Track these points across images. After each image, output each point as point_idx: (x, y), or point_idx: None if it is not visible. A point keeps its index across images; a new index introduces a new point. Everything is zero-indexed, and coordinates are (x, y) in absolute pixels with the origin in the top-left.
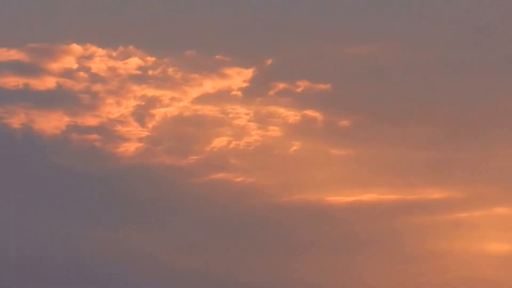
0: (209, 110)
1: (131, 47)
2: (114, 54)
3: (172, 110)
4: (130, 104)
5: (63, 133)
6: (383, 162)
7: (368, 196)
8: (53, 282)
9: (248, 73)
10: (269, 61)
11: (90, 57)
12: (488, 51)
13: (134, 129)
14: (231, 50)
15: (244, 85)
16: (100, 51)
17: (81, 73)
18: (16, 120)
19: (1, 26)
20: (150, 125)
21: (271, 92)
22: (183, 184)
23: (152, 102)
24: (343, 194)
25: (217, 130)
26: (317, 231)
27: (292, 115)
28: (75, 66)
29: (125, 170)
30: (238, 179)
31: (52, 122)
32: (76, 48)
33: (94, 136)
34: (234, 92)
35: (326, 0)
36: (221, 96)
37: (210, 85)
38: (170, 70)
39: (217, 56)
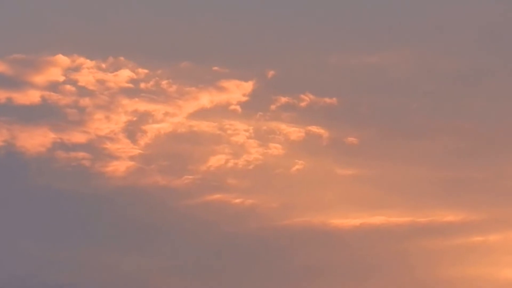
0: (205, 126)
1: (121, 58)
2: (103, 65)
3: (165, 126)
4: (120, 120)
5: (48, 150)
6: (393, 182)
7: (376, 219)
8: None
9: (248, 86)
10: (271, 73)
11: (77, 69)
12: (508, 61)
13: (124, 146)
14: (229, 61)
15: (244, 99)
16: (88, 63)
17: (68, 86)
18: None
19: None
20: (142, 143)
21: (273, 107)
22: (177, 205)
23: (144, 117)
24: (349, 217)
25: (214, 148)
26: (321, 257)
27: (295, 132)
28: (61, 78)
29: (115, 190)
30: (237, 201)
31: (36, 139)
32: (62, 59)
33: (82, 154)
34: (232, 107)
35: (331, 8)
36: (219, 111)
37: (206, 99)
38: (164, 82)
39: (215, 68)
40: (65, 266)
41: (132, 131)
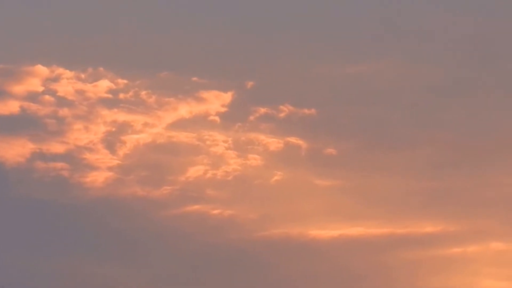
0: (184, 136)
1: (101, 68)
2: (83, 76)
3: (144, 137)
4: (99, 130)
5: (27, 161)
6: (372, 193)
7: (355, 230)
8: None
9: (227, 96)
10: (250, 84)
11: (56, 79)
12: (490, 74)
13: (103, 157)
14: (208, 72)
15: (223, 109)
16: (68, 73)
17: (47, 97)
18: None
19: None
20: (121, 153)
21: (252, 118)
22: (156, 216)
23: (124, 128)
24: (328, 228)
25: (193, 159)
26: (299, 268)
27: (274, 143)
28: (40, 89)
29: (94, 201)
30: (215, 212)
31: (15, 149)
32: (42, 69)
33: (61, 164)
34: (211, 117)
35: (311, 20)
36: (198, 122)
37: (185, 109)
38: (143, 93)
39: (194, 78)
40: (43, 275)
41: (111, 142)
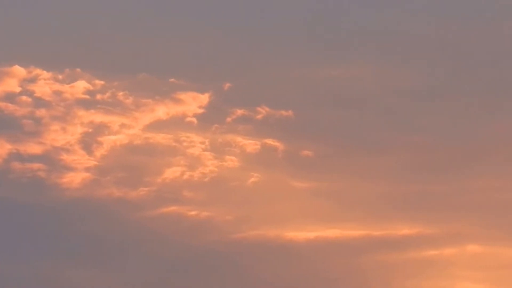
0: (161, 138)
1: (78, 69)
2: (60, 77)
3: (121, 138)
4: (76, 131)
5: (3, 161)
6: (349, 195)
7: (331, 232)
8: None
9: (204, 98)
10: (227, 86)
11: (33, 80)
12: (466, 78)
13: (80, 158)
14: (186, 73)
15: (200, 111)
16: (45, 74)
17: (24, 97)
18: None
19: None
20: (98, 154)
21: (229, 119)
22: (132, 217)
23: (101, 129)
24: (304, 230)
25: (170, 160)
26: (276, 269)
27: (251, 144)
28: (17, 89)
29: (71, 202)
30: (192, 213)
31: None
32: (19, 70)
33: (38, 165)
34: (188, 119)
35: (288, 22)
36: (175, 123)
37: (163, 111)
38: (120, 94)
39: (171, 80)
40: (19, 278)
41: (88, 143)
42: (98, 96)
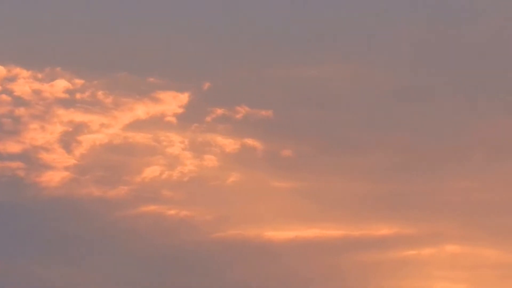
0: (141, 137)
1: (58, 68)
2: (40, 76)
3: (101, 137)
4: (56, 130)
5: None
6: (328, 195)
7: (311, 232)
8: None
9: (184, 97)
10: (207, 85)
11: (13, 79)
12: (444, 78)
13: (60, 157)
14: (165, 72)
15: (179, 110)
16: (24, 73)
17: (3, 96)
18: None
19: None
20: (77, 153)
21: (208, 119)
22: (111, 216)
23: (80, 128)
24: (284, 229)
25: (149, 159)
26: (255, 269)
27: (230, 144)
28: None
29: (50, 201)
30: (171, 212)
31: None
32: None
33: (17, 164)
34: (168, 118)
35: (268, 21)
36: (154, 122)
37: (142, 110)
38: (100, 93)
39: (150, 79)
40: None
41: (67, 142)
42: (78, 95)
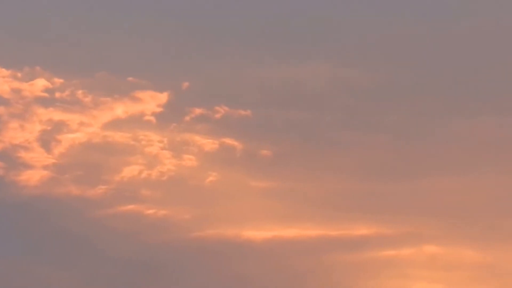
0: (120, 136)
1: (37, 67)
2: (19, 75)
3: (80, 136)
4: (35, 129)
5: None
6: (306, 195)
7: (289, 232)
8: None
9: (163, 97)
10: (185, 85)
11: None
12: (425, 78)
13: (39, 155)
14: (144, 72)
15: (158, 110)
16: (4, 72)
17: None
18: None
19: None
20: (56, 152)
21: (187, 118)
22: (90, 215)
23: (59, 127)
24: (262, 229)
25: (128, 159)
26: (234, 268)
27: (209, 143)
28: None
29: (29, 200)
30: (150, 211)
31: None
32: None
33: None
34: (147, 117)
35: (247, 22)
36: (133, 122)
37: (121, 109)
38: (79, 92)
39: (130, 78)
40: None
41: (46, 141)
42: (57, 94)
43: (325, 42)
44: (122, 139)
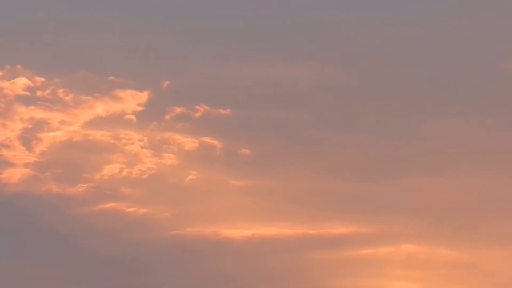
0: (100, 135)
1: (18, 66)
2: (0, 73)
3: (61, 135)
4: (16, 127)
5: None
6: (285, 193)
7: (268, 230)
8: None
9: (143, 96)
10: (166, 84)
11: None
12: (406, 77)
13: (20, 153)
14: (125, 71)
15: (139, 108)
16: None
17: None
18: None
19: None
20: (37, 150)
21: (167, 117)
22: (71, 213)
23: (40, 125)
24: (241, 227)
25: (109, 157)
26: (212, 266)
27: (189, 142)
28: None
29: (9, 197)
30: (130, 209)
31: None
32: None
33: None
34: (127, 116)
35: (226, 21)
36: (114, 120)
37: (102, 108)
38: (60, 91)
39: (110, 77)
40: None
41: (27, 139)
42: (38, 93)
43: (306, 43)
44: (103, 137)
